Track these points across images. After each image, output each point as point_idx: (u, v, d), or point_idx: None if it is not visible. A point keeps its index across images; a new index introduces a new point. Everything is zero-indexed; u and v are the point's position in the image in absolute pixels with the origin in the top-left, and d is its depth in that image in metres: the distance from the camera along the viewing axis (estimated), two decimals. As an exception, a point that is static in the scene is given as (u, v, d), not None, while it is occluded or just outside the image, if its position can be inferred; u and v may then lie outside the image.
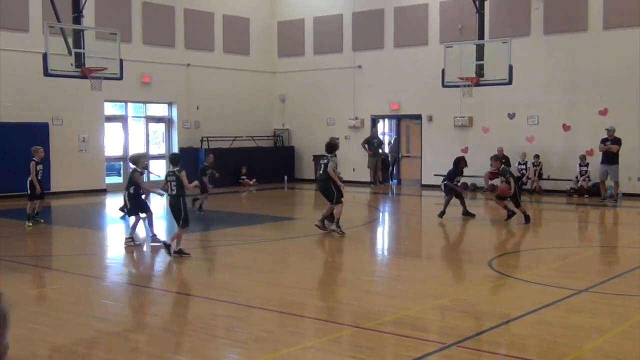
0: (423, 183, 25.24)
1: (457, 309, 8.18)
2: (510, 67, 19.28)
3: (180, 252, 11.68)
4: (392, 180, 27.38)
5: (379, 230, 16.54)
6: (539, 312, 7.84)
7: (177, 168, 11.81)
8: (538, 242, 14.18)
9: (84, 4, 18.46)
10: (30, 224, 15.31)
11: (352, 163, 26.52)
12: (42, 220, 15.82)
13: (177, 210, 11.82)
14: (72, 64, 17.64)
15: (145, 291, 9.68)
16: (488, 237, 15.10)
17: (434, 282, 9.94)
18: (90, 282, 10.13)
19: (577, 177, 21.63)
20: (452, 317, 7.85)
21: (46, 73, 17.27)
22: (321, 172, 14.17)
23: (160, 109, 26.34)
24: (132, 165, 13.49)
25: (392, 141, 28.47)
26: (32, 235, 14.93)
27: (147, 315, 8.34)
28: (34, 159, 15.50)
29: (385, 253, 13.39)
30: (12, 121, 21.00)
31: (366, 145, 25.98)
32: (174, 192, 11.79)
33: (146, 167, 15.73)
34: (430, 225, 16.50)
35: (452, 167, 17.18)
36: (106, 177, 24.11)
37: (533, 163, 22.36)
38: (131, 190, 13.09)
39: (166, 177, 12.02)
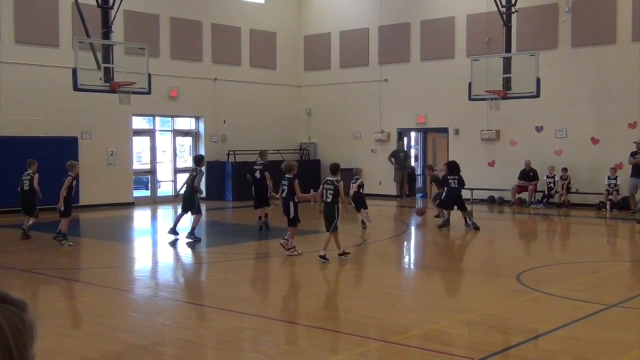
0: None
1: (485, 323, 8.11)
2: (538, 80, 19.17)
3: (344, 254, 12.63)
4: (418, 194, 27.28)
5: (406, 243, 16.47)
6: (568, 327, 7.75)
7: (337, 177, 12.64)
8: (567, 257, 14.03)
9: (113, 19, 18.70)
10: (70, 243, 14.78)
11: (378, 176, 26.46)
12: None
13: (330, 216, 12.39)
14: (101, 79, 17.86)
15: (173, 304, 9.72)
16: (516, 250, 14.97)
17: (462, 296, 9.88)
18: (118, 294, 10.21)
19: (606, 191, 21.40)
20: (480, 332, 7.79)
21: (76, 88, 17.50)
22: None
23: (187, 123, 26.54)
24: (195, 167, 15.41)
25: (417, 154, 28.40)
26: (60, 248, 15.07)
27: (175, 328, 8.37)
28: (70, 174, 15.20)
29: (412, 267, 13.33)
30: (42, 135, 21.27)
31: (392, 159, 25.93)
32: (329, 200, 12.45)
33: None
34: (457, 239, 16.41)
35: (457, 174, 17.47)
36: (134, 191, 24.30)
37: (561, 177, 22.16)
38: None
39: (323, 184, 12.71)
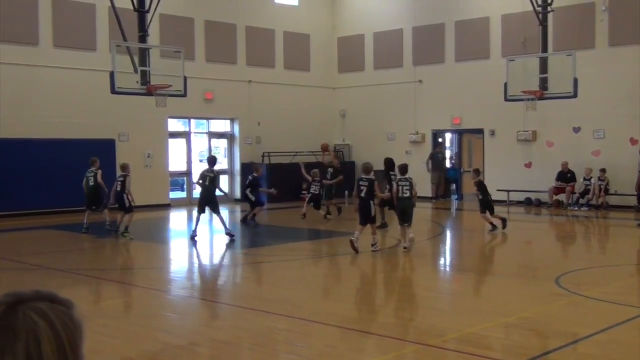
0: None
1: (523, 326, 8.02)
2: (575, 80, 18.92)
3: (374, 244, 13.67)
4: (454, 196, 27.10)
5: (442, 246, 16.37)
6: (608, 332, 7.63)
7: (409, 175, 14.17)
8: (606, 259, 13.82)
9: (149, 23, 18.88)
10: (132, 236, 15.89)
11: (413, 178, 26.29)
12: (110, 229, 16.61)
13: (367, 210, 13.57)
14: (137, 82, 18.03)
15: (209, 305, 9.79)
16: (554, 253, 14.80)
17: (499, 299, 9.78)
18: (156, 295, 10.30)
19: (645, 192, 21.00)
20: (518, 335, 7.71)
21: (113, 91, 17.70)
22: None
23: (222, 125, 26.70)
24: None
25: (453, 156, 28.22)
26: (99, 249, 15.27)
27: (211, 328, 8.42)
28: (92, 169, 16.91)
29: (449, 269, 13.25)
30: (80, 138, 21.57)
31: (429, 162, 25.84)
32: (406, 195, 13.74)
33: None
34: (493, 241, 16.26)
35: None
36: (170, 192, 24.52)
37: (599, 177, 21.84)
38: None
39: (398, 182, 14.05)
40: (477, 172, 17.83)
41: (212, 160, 16.68)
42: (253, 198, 18.85)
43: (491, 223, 16.29)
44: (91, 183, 16.94)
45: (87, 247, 15.30)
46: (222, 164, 26.69)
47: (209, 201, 15.94)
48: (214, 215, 16.13)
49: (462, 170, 27.73)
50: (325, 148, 21.34)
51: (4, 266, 12.56)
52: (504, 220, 16.66)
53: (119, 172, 16.92)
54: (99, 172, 17.05)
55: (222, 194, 17.65)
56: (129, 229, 16.00)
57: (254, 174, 19.03)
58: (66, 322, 1.31)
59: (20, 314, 1.26)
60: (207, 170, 16.23)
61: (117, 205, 16.49)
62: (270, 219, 21.67)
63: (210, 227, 18.37)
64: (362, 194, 13.59)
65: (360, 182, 13.76)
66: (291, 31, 27.45)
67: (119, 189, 16.37)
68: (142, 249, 15.56)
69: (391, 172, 17.12)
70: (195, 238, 15.66)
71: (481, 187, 16.67)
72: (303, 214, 19.78)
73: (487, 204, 16.70)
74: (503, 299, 9.83)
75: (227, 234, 15.68)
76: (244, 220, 18.99)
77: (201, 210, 15.92)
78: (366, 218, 13.63)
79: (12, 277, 11.50)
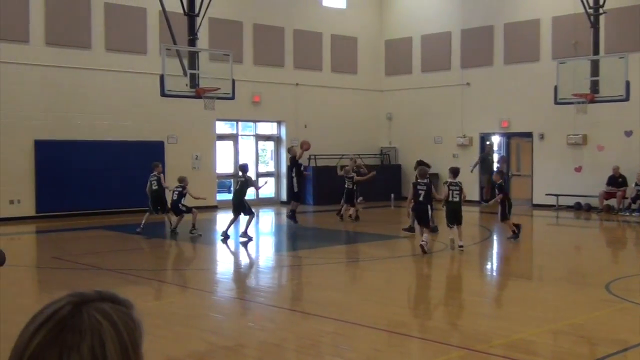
0: (534, 203, 24.58)
1: (572, 333, 7.91)
2: (627, 83, 18.56)
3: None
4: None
5: (490, 250, 16.21)
6: (661, 340, 7.48)
7: (459, 180, 14.64)
8: (658, 266, 13.52)
9: (199, 26, 19.12)
10: (200, 233, 16.76)
11: (462, 182, 26.08)
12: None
13: (460, 213, 14.34)
14: (187, 85, 18.27)
15: (256, 306, 9.87)
16: (604, 259, 14.54)
17: (548, 305, 9.66)
18: (203, 296, 10.43)
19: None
20: (567, 342, 7.61)
21: (163, 93, 17.96)
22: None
23: (269, 128, 26.88)
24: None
25: (499, 160, 27.90)
26: (149, 250, 15.52)
27: (258, 330, 8.49)
28: (155, 173, 17.43)
29: (496, 274, 13.12)
30: (130, 139, 21.95)
31: (478, 165, 25.59)
32: (455, 199, 14.31)
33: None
34: (542, 246, 16.04)
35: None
36: (217, 194, 24.77)
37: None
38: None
39: (449, 185, 14.60)
40: (501, 174, 17.61)
41: (243, 168, 17.09)
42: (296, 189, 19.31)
43: (514, 230, 15.71)
44: (154, 187, 17.39)
45: (137, 248, 15.55)
46: (268, 166, 26.88)
47: (238, 203, 16.36)
48: (246, 217, 16.29)
49: (510, 174, 27.41)
50: (305, 146, 20.07)
51: (59, 266, 12.86)
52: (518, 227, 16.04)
53: (176, 184, 17.39)
54: (161, 176, 17.63)
55: (261, 185, 18.63)
56: (195, 225, 16.72)
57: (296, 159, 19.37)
58: (128, 322, 1.35)
59: (85, 314, 1.30)
60: (238, 176, 17.10)
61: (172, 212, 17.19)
62: (316, 221, 21.74)
63: (256, 230, 18.50)
64: (421, 198, 14.05)
65: (418, 187, 14.19)
66: (339, 34, 27.50)
67: (175, 198, 17.08)
68: (190, 250, 15.76)
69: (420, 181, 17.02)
70: (227, 240, 15.95)
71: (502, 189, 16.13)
72: (340, 215, 19.94)
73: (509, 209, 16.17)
74: (552, 304, 9.70)
75: (242, 234, 16.01)
76: (291, 217, 19.21)
77: (236, 213, 16.35)
78: (425, 220, 14.06)
79: (65, 277, 11.75)
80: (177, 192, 17.14)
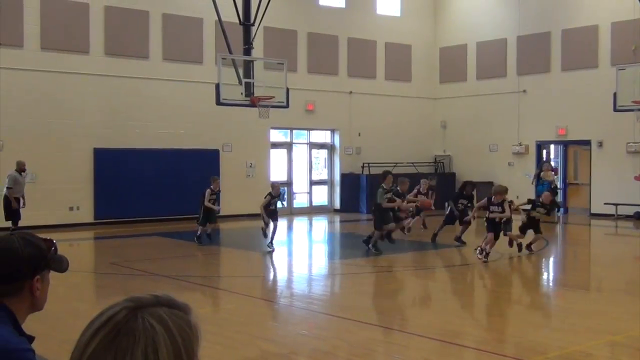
0: (592, 212, 24.09)
1: (632, 345, 7.72)
2: (690, 89, 18.07)
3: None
4: (558, 209, 26.29)
5: (547, 260, 15.93)
6: None
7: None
8: None
9: (254, 36, 19.31)
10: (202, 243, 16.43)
11: (516, 191, 25.70)
12: (207, 242, 16.74)
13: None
14: (242, 93, 18.44)
15: (309, 314, 9.89)
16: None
17: (606, 316, 9.44)
18: (257, 303, 10.50)
19: None
20: (626, 355, 7.43)
21: (218, 102, 18.17)
22: None
23: (323, 136, 26.95)
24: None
25: (558, 168, 27.43)
26: (203, 256, 15.70)
27: (311, 338, 8.51)
28: (211, 187, 16.90)
29: (553, 284, 12.89)
30: (186, 148, 22.28)
31: (536, 177, 25.17)
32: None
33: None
34: (600, 256, 15.71)
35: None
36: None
37: None
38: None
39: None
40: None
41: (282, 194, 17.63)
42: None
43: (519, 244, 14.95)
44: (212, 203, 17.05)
45: (192, 255, 15.75)
46: (322, 174, 26.95)
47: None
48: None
49: (567, 182, 26.91)
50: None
51: (116, 271, 13.11)
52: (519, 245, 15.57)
53: (229, 192, 17.51)
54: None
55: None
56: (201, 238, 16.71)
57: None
58: (183, 327, 1.36)
59: (140, 319, 1.33)
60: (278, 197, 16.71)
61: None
62: (369, 230, 21.65)
63: (308, 237, 18.54)
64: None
65: (491, 207, 14.21)
66: (393, 42, 27.45)
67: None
68: (244, 257, 15.89)
69: (460, 200, 16.90)
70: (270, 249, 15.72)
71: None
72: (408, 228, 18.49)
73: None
74: (610, 316, 9.48)
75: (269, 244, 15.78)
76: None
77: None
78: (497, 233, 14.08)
79: (122, 282, 11.98)
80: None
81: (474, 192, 17.95)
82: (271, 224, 15.63)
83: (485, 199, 14.60)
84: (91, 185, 20.85)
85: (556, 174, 27.16)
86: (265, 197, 15.86)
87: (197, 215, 17.06)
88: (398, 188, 16.36)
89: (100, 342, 1.31)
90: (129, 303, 1.36)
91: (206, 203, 16.69)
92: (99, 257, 16.04)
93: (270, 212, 15.73)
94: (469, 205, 16.95)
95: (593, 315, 9.58)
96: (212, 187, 16.89)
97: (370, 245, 15.18)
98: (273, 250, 15.53)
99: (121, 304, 1.36)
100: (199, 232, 16.61)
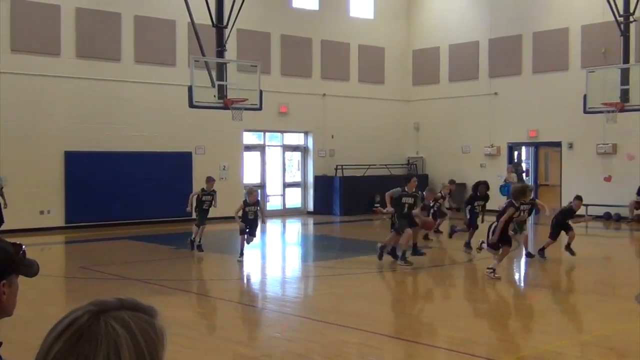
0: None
1: (601, 345, 7.82)
2: (658, 92, 18.35)
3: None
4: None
5: (517, 261, 16.05)
6: (692, 352, 7.36)
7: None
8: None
9: (227, 38, 19.25)
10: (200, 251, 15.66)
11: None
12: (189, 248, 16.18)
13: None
14: (214, 96, 18.37)
15: (282, 317, 9.88)
16: (634, 270, 14.32)
17: (577, 316, 9.55)
18: (230, 306, 10.46)
19: None
20: (596, 354, 7.52)
21: (191, 104, 18.09)
22: None
23: (296, 138, 26.94)
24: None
25: (529, 169, 27.71)
26: (175, 260, 15.61)
27: (284, 340, 8.50)
28: (203, 187, 16.61)
29: (525, 285, 13.00)
30: (158, 150, 22.14)
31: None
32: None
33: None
34: (570, 257, 15.85)
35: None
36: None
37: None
38: None
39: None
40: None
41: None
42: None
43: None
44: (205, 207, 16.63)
45: (165, 258, 15.66)
46: (295, 176, 26.94)
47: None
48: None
49: (538, 183, 27.21)
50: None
51: (87, 275, 12.99)
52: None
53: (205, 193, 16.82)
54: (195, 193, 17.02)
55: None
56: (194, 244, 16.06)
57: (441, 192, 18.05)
58: (147, 330, 1.35)
59: (103, 322, 1.32)
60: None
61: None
62: (344, 231, 21.73)
63: (282, 239, 18.52)
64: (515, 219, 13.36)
65: (522, 207, 13.32)
66: (366, 44, 27.53)
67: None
68: (217, 260, 15.82)
69: (477, 202, 16.26)
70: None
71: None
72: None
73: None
74: (581, 316, 9.59)
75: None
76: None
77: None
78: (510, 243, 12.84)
79: (93, 287, 11.87)
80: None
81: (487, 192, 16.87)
82: (252, 232, 14.56)
83: (511, 208, 12.46)
84: (62, 188, 20.63)
85: (527, 175, 27.52)
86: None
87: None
88: (424, 193, 15.73)
89: (63, 347, 1.30)
90: (92, 307, 1.35)
91: (190, 199, 16.58)
92: (70, 261, 15.89)
93: (249, 222, 14.53)
94: (484, 206, 16.34)
95: (564, 315, 9.68)
96: (205, 187, 16.52)
97: (399, 261, 13.55)
98: (242, 261, 14.44)
99: (84, 308, 1.35)
100: (193, 236, 16.00)
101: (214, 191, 16.60)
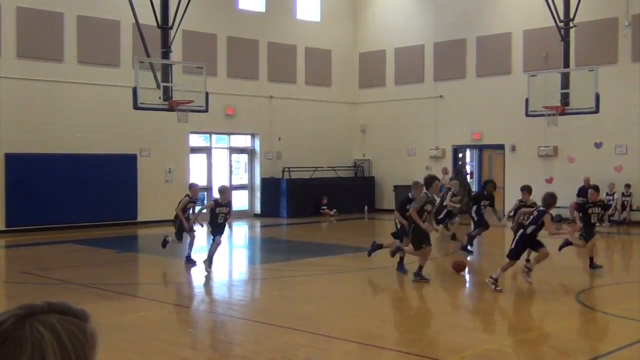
0: (506, 214, 24.73)
1: (543, 343, 7.97)
2: (597, 96, 18.80)
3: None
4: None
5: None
6: (630, 348, 7.57)
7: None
8: (628, 276, 13.69)
9: (173, 39, 19.08)
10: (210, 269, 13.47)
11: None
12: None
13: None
14: (160, 97, 18.19)
15: (228, 320, 9.82)
16: (574, 269, 14.66)
17: (519, 315, 9.73)
18: (175, 310, 10.35)
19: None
20: (538, 352, 7.66)
21: (136, 106, 17.87)
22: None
23: (243, 140, 26.84)
24: None
25: (473, 171, 28.15)
26: (119, 263, 15.38)
27: (230, 344, 8.45)
28: (188, 194, 14.75)
29: (469, 285, 13.18)
30: (103, 153, 21.78)
31: (456, 178, 25.79)
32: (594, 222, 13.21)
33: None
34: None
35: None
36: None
37: (623, 193, 21.66)
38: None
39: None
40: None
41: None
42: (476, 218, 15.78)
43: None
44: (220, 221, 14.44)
45: (109, 262, 15.41)
46: (242, 179, 26.82)
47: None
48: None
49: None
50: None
51: (29, 280, 12.70)
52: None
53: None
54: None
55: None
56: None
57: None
58: (76, 334, 1.33)
59: (28, 326, 1.29)
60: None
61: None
62: (291, 234, 21.71)
63: (229, 242, 18.42)
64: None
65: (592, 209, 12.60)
66: (313, 47, 27.59)
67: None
68: (162, 264, 15.63)
69: (483, 201, 15.72)
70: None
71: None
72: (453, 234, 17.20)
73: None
74: (523, 315, 9.77)
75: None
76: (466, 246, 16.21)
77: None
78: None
79: (34, 292, 11.61)
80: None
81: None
82: (218, 238, 13.32)
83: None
84: (2, 191, 20.13)
85: (472, 177, 27.98)
86: (182, 200, 14.25)
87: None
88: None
89: None
90: (20, 310, 1.32)
91: (177, 211, 14.49)
92: (11, 266, 15.49)
93: (218, 227, 13.27)
94: (490, 206, 16.03)
95: (507, 314, 9.85)
96: (189, 194, 14.70)
97: (415, 277, 12.16)
98: (210, 271, 13.17)
99: (11, 312, 1.32)
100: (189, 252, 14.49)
101: (229, 203, 13.68)
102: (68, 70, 21.35)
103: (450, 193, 16.76)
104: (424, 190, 12.42)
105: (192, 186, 15.30)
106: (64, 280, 12.57)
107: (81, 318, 1.37)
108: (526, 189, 14.35)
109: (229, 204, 13.34)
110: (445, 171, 24.49)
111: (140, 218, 22.26)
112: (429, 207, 12.27)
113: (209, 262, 13.24)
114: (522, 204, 13.86)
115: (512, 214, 13.82)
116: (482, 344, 7.84)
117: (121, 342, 8.02)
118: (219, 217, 13.15)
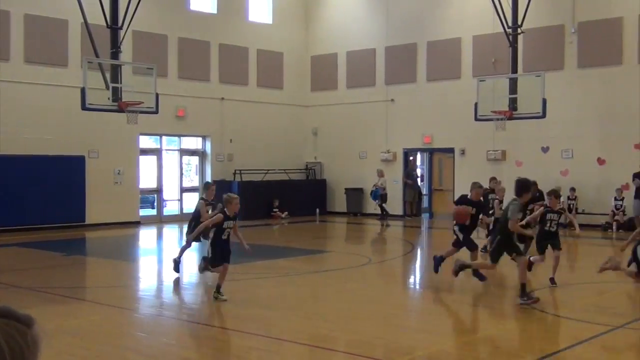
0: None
1: (490, 344, 8.09)
2: (544, 101, 19.21)
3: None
4: (424, 214, 27.32)
5: (412, 264, 16.44)
6: (574, 349, 7.73)
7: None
8: (573, 277, 13.99)
9: (122, 39, 18.86)
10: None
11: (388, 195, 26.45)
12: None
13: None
14: (109, 98, 17.99)
15: (178, 323, 9.73)
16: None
17: (467, 316, 9.86)
18: (124, 313, 10.22)
19: (612, 212, 21.36)
20: (485, 353, 7.78)
21: (84, 107, 17.62)
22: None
23: (194, 142, 26.65)
24: None
25: (423, 174, 28.47)
26: (67, 267, 15.12)
27: (180, 347, 8.37)
28: (203, 197, 13.28)
29: (417, 287, 13.31)
30: (50, 154, 21.37)
31: (408, 179, 26.20)
32: (553, 229, 12.12)
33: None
34: (463, 259, 16.32)
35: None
36: (140, 210, 24.35)
37: (568, 197, 22.12)
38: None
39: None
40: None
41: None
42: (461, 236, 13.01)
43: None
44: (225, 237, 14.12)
45: (56, 265, 15.14)
46: (193, 181, 26.63)
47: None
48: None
49: (432, 188, 28.01)
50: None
51: (-30, 284, 12.39)
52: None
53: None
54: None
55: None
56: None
57: None
58: (15, 337, 1.31)
59: None
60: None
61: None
62: (242, 236, 21.57)
63: (179, 245, 18.24)
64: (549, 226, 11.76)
65: (550, 215, 12.10)
66: (265, 49, 27.55)
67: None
68: (111, 266, 15.43)
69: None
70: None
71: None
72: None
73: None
74: (470, 316, 9.91)
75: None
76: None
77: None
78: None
79: (-22, 295, 11.34)
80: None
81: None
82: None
83: (542, 207, 12.06)
84: (-55, 193, 19.62)
85: (422, 180, 28.31)
86: (214, 214, 11.76)
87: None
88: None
89: None
90: None
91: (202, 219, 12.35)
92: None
93: (221, 245, 10.95)
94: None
95: (455, 315, 9.97)
96: (204, 196, 13.03)
97: (521, 299, 10.10)
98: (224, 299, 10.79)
99: None
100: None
101: (237, 215, 11.21)
102: (14, 70, 20.92)
103: (497, 201, 16.17)
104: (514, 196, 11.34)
105: (209, 186, 13.08)
106: (9, 284, 12.30)
107: (24, 323, 1.35)
108: (553, 194, 12.64)
109: (236, 217, 11.00)
110: (380, 174, 24.90)
111: (88, 220, 21.92)
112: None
113: (177, 264, 13.16)
114: (548, 210, 12.49)
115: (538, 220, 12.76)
116: (431, 345, 7.93)
117: (69, 346, 7.89)
118: (224, 233, 10.83)
